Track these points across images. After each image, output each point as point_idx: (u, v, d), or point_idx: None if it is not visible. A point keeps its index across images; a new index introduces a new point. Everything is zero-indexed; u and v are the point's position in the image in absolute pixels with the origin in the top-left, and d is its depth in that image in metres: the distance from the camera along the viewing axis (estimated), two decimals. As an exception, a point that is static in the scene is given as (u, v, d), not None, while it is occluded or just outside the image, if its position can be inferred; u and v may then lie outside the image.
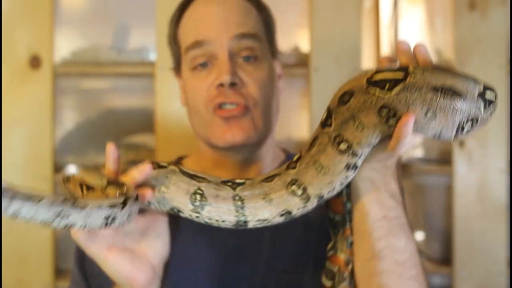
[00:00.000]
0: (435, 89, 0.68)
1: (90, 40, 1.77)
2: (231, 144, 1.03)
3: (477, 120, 0.71)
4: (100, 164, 1.76)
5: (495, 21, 1.78)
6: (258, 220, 0.79)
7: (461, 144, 1.80)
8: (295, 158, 0.80)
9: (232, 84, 1.01)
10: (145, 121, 1.75)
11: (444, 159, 1.88)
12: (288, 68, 1.76)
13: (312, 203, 0.78)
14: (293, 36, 1.84)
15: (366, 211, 0.81)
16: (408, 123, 0.68)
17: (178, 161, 1.18)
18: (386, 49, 2.02)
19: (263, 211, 0.79)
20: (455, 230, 1.80)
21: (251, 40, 1.05)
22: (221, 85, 1.01)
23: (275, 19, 1.16)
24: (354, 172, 0.76)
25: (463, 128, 0.71)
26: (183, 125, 1.17)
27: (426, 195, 1.97)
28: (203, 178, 0.82)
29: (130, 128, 1.79)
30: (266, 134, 1.08)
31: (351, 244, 0.87)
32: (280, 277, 1.00)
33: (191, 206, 0.81)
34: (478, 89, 0.70)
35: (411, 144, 0.73)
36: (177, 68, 1.14)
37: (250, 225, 0.80)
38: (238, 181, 0.82)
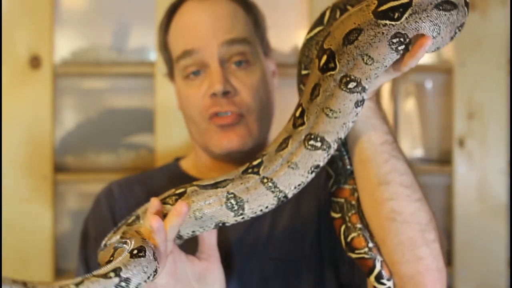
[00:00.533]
0: (437, 6, 0.70)
1: (90, 40, 1.77)
2: (228, 150, 1.03)
3: (463, 25, 0.74)
4: (100, 164, 1.76)
5: (495, 21, 1.78)
6: (295, 187, 0.79)
7: (461, 144, 1.80)
8: (297, 114, 0.78)
9: (225, 93, 1.01)
10: (145, 121, 1.75)
11: (444, 159, 1.88)
12: (288, 68, 1.76)
13: (334, 147, 0.78)
14: (293, 36, 1.84)
15: (366, 138, 0.80)
16: (427, 44, 0.70)
17: (176, 162, 1.18)
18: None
19: (294, 177, 0.78)
20: (455, 230, 1.80)
21: (242, 45, 1.05)
22: (214, 94, 1.02)
23: (264, 16, 1.15)
24: (362, 106, 0.76)
25: (454, 36, 0.74)
26: (183, 125, 1.17)
27: (426, 195, 1.96)
28: (225, 180, 0.80)
29: (130, 128, 1.79)
30: (262, 138, 1.08)
31: (352, 173, 0.86)
32: (278, 266, 1.00)
33: (232, 213, 0.80)
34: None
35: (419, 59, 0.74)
36: (171, 74, 1.14)
37: (290, 195, 0.79)
38: (255, 162, 0.80)
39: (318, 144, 0.77)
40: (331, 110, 0.75)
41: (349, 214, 0.86)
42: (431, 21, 0.70)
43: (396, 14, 0.69)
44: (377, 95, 0.82)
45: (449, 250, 1.85)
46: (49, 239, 1.67)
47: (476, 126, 1.80)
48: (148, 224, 0.76)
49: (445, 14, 0.70)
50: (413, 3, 0.69)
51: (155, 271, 0.72)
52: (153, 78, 1.68)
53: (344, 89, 0.74)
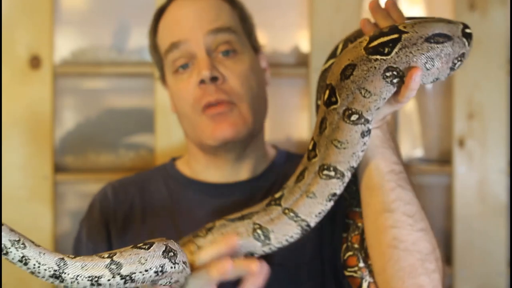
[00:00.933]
0: (428, 39, 0.72)
1: (90, 40, 1.77)
2: (222, 140, 1.03)
3: (464, 55, 0.79)
4: (100, 164, 1.76)
5: (495, 21, 1.78)
6: (316, 215, 0.83)
7: (461, 144, 1.80)
8: (310, 147, 0.82)
9: (213, 79, 1.01)
10: (145, 121, 1.75)
11: (444, 159, 1.88)
12: (288, 68, 1.76)
13: (348, 176, 0.81)
14: (293, 36, 1.84)
15: (374, 166, 0.82)
16: (417, 75, 0.72)
17: (171, 163, 1.18)
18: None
19: (314, 206, 0.82)
20: (455, 230, 1.80)
21: (227, 33, 1.05)
22: (203, 81, 1.01)
23: (251, 16, 1.15)
24: (369, 136, 0.79)
25: (454, 67, 0.77)
26: (183, 125, 1.17)
27: (426, 195, 1.97)
28: (251, 213, 0.86)
29: (130, 128, 1.79)
30: (256, 128, 1.08)
31: None
32: (278, 272, 1.00)
33: (259, 244, 0.84)
34: (460, 28, 0.77)
35: (415, 90, 0.76)
36: (162, 77, 1.14)
37: (312, 224, 0.83)
38: (277, 195, 0.85)
39: (332, 173, 0.80)
40: (339, 141, 0.78)
41: (352, 234, 0.90)
42: (422, 54, 0.72)
43: (386, 49, 0.72)
44: (387, 124, 0.84)
45: (449, 250, 1.85)
46: (49, 239, 1.67)
47: (476, 126, 1.80)
48: (209, 255, 0.78)
49: (437, 47, 0.73)
50: (402, 38, 0.72)
51: (162, 267, 0.72)
52: (153, 78, 1.68)
53: (348, 121, 0.77)
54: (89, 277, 0.70)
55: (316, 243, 1.01)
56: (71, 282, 0.69)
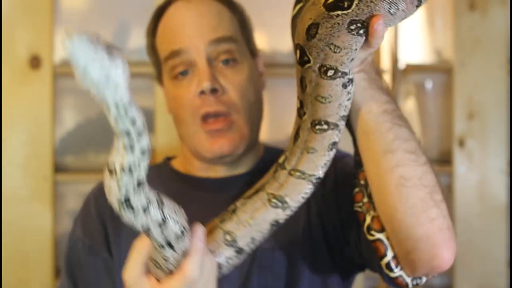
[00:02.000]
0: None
1: (90, 40, 1.77)
2: (219, 155, 1.04)
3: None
4: (100, 164, 1.76)
5: (495, 21, 1.78)
6: (322, 167, 0.83)
7: (461, 144, 1.80)
8: (298, 105, 0.82)
9: (213, 90, 1.02)
10: (145, 121, 1.75)
11: (444, 159, 1.88)
12: (288, 68, 1.76)
13: (342, 124, 0.81)
14: (293, 36, 1.84)
15: (367, 110, 0.81)
16: (379, 24, 0.70)
17: (166, 162, 1.18)
18: (385, 49, 2.02)
19: (317, 159, 0.82)
20: (455, 230, 1.80)
21: (228, 43, 1.05)
22: (203, 92, 1.02)
23: (250, 19, 1.15)
24: (351, 84, 0.78)
25: (420, 3, 0.73)
26: (183, 125, 1.17)
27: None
28: (262, 185, 0.86)
29: (130, 128, 1.79)
30: (252, 139, 1.09)
31: None
32: (271, 255, 1.01)
33: (279, 210, 0.84)
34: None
35: (384, 35, 0.74)
36: (159, 78, 1.14)
37: (322, 174, 0.84)
38: (280, 160, 0.86)
39: (325, 126, 0.80)
40: (322, 97, 0.77)
41: (358, 171, 0.90)
42: (383, 1, 0.69)
43: (346, 3, 0.70)
44: (371, 64, 0.82)
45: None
46: (49, 239, 1.67)
47: (476, 126, 1.80)
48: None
49: None
50: None
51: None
52: (153, 78, 1.68)
53: (325, 77, 0.75)
54: None
55: (306, 226, 1.02)
56: None
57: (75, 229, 1.09)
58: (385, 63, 2.02)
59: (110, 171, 0.67)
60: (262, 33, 1.79)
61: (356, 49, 0.74)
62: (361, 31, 0.71)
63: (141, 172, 0.67)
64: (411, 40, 2.06)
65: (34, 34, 1.67)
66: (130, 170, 0.66)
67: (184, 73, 1.05)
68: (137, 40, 1.78)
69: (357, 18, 0.70)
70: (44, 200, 1.67)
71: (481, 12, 1.78)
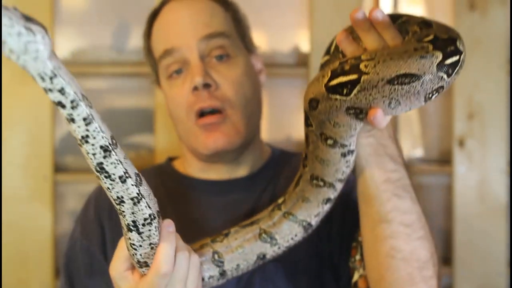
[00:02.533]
0: (391, 81, 0.66)
1: (90, 40, 1.77)
2: (214, 150, 1.03)
3: (443, 87, 0.70)
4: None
5: (495, 21, 1.78)
6: (315, 216, 0.86)
7: (461, 144, 1.80)
8: (303, 155, 0.84)
9: (206, 86, 1.01)
10: (145, 121, 1.75)
11: (444, 159, 1.88)
12: (288, 68, 1.76)
13: (339, 186, 0.83)
14: (293, 36, 1.84)
15: (369, 176, 0.81)
16: (376, 117, 0.69)
17: (168, 162, 1.18)
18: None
19: (311, 209, 0.85)
20: (455, 230, 1.80)
21: (220, 38, 1.05)
22: (196, 88, 1.02)
23: (245, 16, 1.15)
24: (352, 155, 0.79)
25: (430, 98, 0.70)
26: (183, 125, 1.17)
27: (426, 195, 1.97)
28: (258, 219, 0.90)
29: (130, 128, 1.79)
30: (249, 135, 1.08)
31: None
32: (276, 267, 1.00)
33: (268, 245, 0.88)
34: (436, 59, 0.67)
35: (385, 122, 0.73)
36: (157, 80, 1.14)
37: (313, 223, 0.87)
38: (279, 201, 0.89)
39: (321, 183, 0.82)
40: (321, 159, 0.79)
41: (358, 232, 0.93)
42: (383, 96, 0.67)
43: (345, 90, 0.68)
44: (384, 129, 0.80)
45: (449, 250, 1.85)
46: (49, 239, 1.67)
47: (476, 126, 1.80)
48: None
49: (402, 88, 0.67)
50: (362, 80, 0.67)
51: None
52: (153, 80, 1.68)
53: (325, 144, 0.76)
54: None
55: (313, 240, 1.02)
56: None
57: (75, 229, 1.10)
58: (385, 63, 2.02)
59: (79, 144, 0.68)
60: (262, 33, 1.79)
61: (355, 129, 0.74)
62: (360, 116, 0.71)
63: (99, 138, 0.68)
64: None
65: (34, 34, 1.67)
66: (86, 140, 0.67)
67: (178, 72, 1.05)
68: (137, 40, 1.78)
69: (355, 106, 0.69)
70: (44, 200, 1.67)
71: (481, 12, 1.78)
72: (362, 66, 0.67)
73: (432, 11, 1.99)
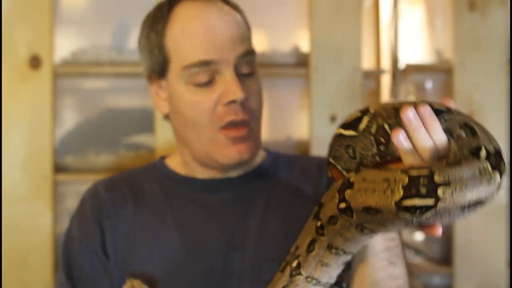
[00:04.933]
0: (463, 208, 0.67)
1: (90, 40, 1.77)
2: (238, 161, 1.04)
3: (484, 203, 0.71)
4: (100, 164, 1.76)
5: (495, 21, 1.78)
6: (336, 276, 0.86)
7: (461, 144, 1.80)
8: (317, 224, 0.83)
9: (243, 101, 1.02)
10: (145, 121, 1.75)
11: (444, 159, 1.87)
12: (288, 68, 1.76)
13: (354, 252, 0.84)
14: (293, 36, 1.84)
15: (369, 244, 0.85)
16: (438, 233, 0.71)
17: (161, 161, 1.18)
18: (386, 49, 2.02)
19: (332, 271, 0.85)
20: (455, 230, 1.80)
21: (251, 55, 1.05)
22: (233, 101, 1.01)
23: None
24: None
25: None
26: (183, 125, 1.16)
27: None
28: (283, 286, 0.89)
29: (130, 128, 1.79)
30: (261, 142, 1.10)
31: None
32: (272, 267, 1.00)
33: None
34: (496, 181, 0.69)
35: None
36: (159, 75, 1.10)
37: (334, 280, 0.87)
38: (294, 265, 0.88)
39: (341, 252, 0.82)
40: (340, 249, 0.81)
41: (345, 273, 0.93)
42: (449, 217, 0.68)
43: (417, 211, 0.67)
44: None
45: (449, 250, 1.85)
46: (49, 239, 1.67)
47: (476, 126, 1.80)
48: None
49: (469, 211, 0.68)
50: (437, 208, 0.66)
51: None
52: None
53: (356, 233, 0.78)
54: None
55: None
56: None
57: (71, 228, 1.10)
58: (385, 63, 2.02)
59: None
60: (262, 33, 1.80)
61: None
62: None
63: None
64: (411, 40, 2.06)
65: (34, 34, 1.67)
66: None
67: (206, 83, 1.04)
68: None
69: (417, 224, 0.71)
70: (44, 200, 1.67)
71: (481, 12, 1.78)
72: (440, 192, 0.66)
73: (432, 11, 1.99)
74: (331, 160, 0.86)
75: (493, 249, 1.79)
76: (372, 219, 0.72)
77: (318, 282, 0.86)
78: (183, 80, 1.05)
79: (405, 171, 0.68)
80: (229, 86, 1.01)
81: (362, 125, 0.81)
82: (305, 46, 1.79)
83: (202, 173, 1.11)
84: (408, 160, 0.73)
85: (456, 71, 1.79)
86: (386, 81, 2.02)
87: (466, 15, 1.78)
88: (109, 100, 1.83)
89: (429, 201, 0.66)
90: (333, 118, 1.68)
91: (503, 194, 1.79)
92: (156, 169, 1.16)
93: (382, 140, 0.79)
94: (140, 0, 1.78)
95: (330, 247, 0.82)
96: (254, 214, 1.06)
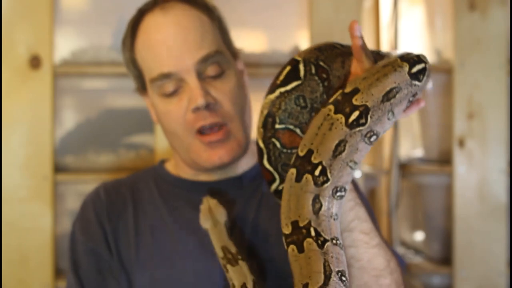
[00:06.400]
0: (383, 99, 0.77)
1: (90, 40, 1.77)
2: (219, 165, 1.05)
3: (417, 93, 0.81)
4: (100, 164, 1.76)
5: (495, 21, 1.78)
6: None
7: (461, 144, 1.80)
8: (317, 172, 0.81)
9: (207, 106, 1.02)
10: (145, 121, 1.74)
11: (444, 159, 1.88)
12: (288, 68, 1.76)
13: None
14: (293, 36, 1.84)
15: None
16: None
17: (161, 164, 1.19)
18: (386, 49, 2.02)
19: (336, 225, 0.82)
20: (455, 230, 1.80)
21: (215, 57, 1.05)
22: (197, 108, 1.02)
23: (224, 18, 1.14)
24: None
25: (409, 103, 0.81)
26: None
27: (426, 195, 1.97)
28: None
29: (130, 128, 1.79)
30: (248, 142, 1.09)
31: None
32: (267, 266, 1.01)
33: None
34: (406, 71, 0.78)
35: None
36: (142, 89, 1.13)
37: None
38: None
39: (343, 193, 0.81)
40: (355, 162, 0.80)
41: None
42: (384, 113, 0.79)
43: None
44: None
45: (449, 250, 1.85)
46: (49, 239, 1.67)
47: (476, 126, 1.80)
48: None
49: (390, 100, 0.78)
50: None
51: None
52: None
53: (368, 142, 0.79)
54: None
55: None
56: None
57: (74, 232, 1.10)
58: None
59: None
60: (262, 33, 1.80)
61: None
62: (372, 139, 0.79)
63: None
64: (411, 40, 2.06)
65: (34, 34, 1.67)
66: None
67: (174, 92, 1.05)
68: (137, 40, 1.78)
69: (371, 129, 0.79)
70: (44, 200, 1.67)
71: (481, 12, 1.78)
72: (361, 98, 0.77)
73: (432, 11, 1.99)
74: (279, 126, 0.85)
75: (493, 249, 1.79)
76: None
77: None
78: (155, 91, 1.07)
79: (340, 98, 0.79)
80: (192, 93, 1.02)
81: (302, 72, 0.85)
82: (305, 46, 1.79)
83: (199, 176, 1.12)
84: (362, 56, 0.83)
85: (456, 71, 1.79)
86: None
87: (466, 15, 1.78)
88: (109, 100, 1.83)
89: (362, 108, 0.77)
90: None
91: (503, 194, 1.79)
92: (156, 172, 1.17)
93: (324, 75, 0.85)
94: (140, 0, 1.78)
95: (335, 190, 0.80)
96: (249, 213, 1.06)
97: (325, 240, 0.77)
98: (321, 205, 0.78)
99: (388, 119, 0.78)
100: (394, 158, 1.91)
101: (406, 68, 0.78)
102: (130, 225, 1.08)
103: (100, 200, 1.11)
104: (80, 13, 1.79)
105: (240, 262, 0.90)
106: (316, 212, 0.78)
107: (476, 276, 1.79)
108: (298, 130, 0.85)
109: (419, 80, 0.78)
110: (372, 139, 0.78)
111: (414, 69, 0.78)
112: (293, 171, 0.79)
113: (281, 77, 0.85)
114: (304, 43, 1.78)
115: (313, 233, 0.77)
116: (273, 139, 0.86)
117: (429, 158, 1.97)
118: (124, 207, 1.10)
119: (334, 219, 0.79)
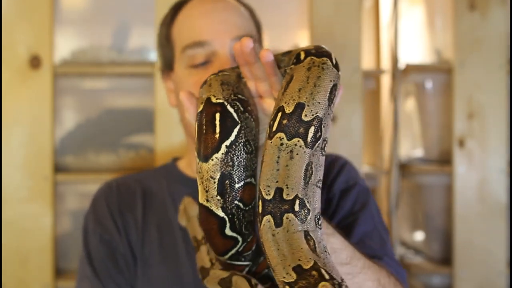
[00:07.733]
0: (329, 102, 0.70)
1: (90, 40, 1.77)
2: None
3: (339, 82, 0.73)
4: (100, 164, 1.76)
5: (495, 21, 1.78)
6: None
7: (461, 144, 1.80)
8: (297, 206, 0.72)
9: None
10: (145, 121, 1.75)
11: (444, 159, 1.88)
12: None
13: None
14: (293, 36, 1.84)
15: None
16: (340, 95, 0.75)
17: (173, 163, 1.19)
18: (386, 49, 2.02)
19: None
20: (455, 230, 1.80)
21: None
22: None
23: (261, 24, 1.17)
24: None
25: (336, 95, 0.73)
26: (183, 125, 1.17)
27: (426, 195, 1.97)
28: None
29: (130, 128, 1.79)
30: None
31: None
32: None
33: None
34: (331, 65, 0.72)
35: None
36: (168, 68, 1.14)
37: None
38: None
39: (321, 219, 0.73)
40: (320, 180, 0.72)
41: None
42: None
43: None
44: None
45: (449, 250, 1.85)
46: (49, 239, 1.67)
47: (476, 126, 1.80)
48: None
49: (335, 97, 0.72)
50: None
51: None
52: (153, 78, 1.68)
53: (324, 153, 0.72)
54: None
55: None
56: None
57: (87, 223, 1.11)
58: (385, 63, 2.02)
59: None
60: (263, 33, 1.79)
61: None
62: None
63: None
64: (411, 40, 2.06)
65: (34, 34, 1.67)
66: None
67: (203, 64, 1.05)
68: (137, 40, 1.78)
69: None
70: (44, 200, 1.67)
71: (481, 12, 1.78)
72: (307, 111, 0.69)
73: (432, 11, 1.99)
74: (238, 185, 0.75)
75: (493, 249, 1.79)
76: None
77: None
78: (183, 63, 1.07)
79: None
80: (221, 63, 1.02)
81: (234, 114, 0.75)
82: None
83: None
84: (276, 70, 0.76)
85: (456, 71, 1.79)
86: (386, 81, 2.02)
87: (466, 15, 1.78)
88: (109, 100, 1.83)
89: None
90: (333, 118, 1.68)
91: (503, 194, 1.79)
92: (167, 170, 1.18)
93: (249, 108, 0.76)
94: (140, 0, 1.78)
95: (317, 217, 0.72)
96: None
97: (340, 284, 0.65)
98: (314, 241, 0.69)
99: (331, 119, 0.72)
100: (394, 158, 1.91)
101: (329, 61, 0.71)
102: (138, 220, 1.09)
103: (112, 194, 1.12)
104: (80, 13, 1.79)
105: (201, 247, 0.89)
106: (314, 250, 0.69)
107: (476, 276, 1.79)
108: (253, 180, 0.75)
109: (339, 69, 0.72)
110: (325, 147, 0.71)
111: (334, 60, 0.72)
112: (268, 218, 0.69)
113: (217, 129, 0.73)
114: (304, 43, 1.78)
115: (326, 276, 0.65)
116: (236, 202, 0.74)
117: (429, 158, 1.97)
118: (134, 203, 1.11)
119: (329, 254, 0.71)
